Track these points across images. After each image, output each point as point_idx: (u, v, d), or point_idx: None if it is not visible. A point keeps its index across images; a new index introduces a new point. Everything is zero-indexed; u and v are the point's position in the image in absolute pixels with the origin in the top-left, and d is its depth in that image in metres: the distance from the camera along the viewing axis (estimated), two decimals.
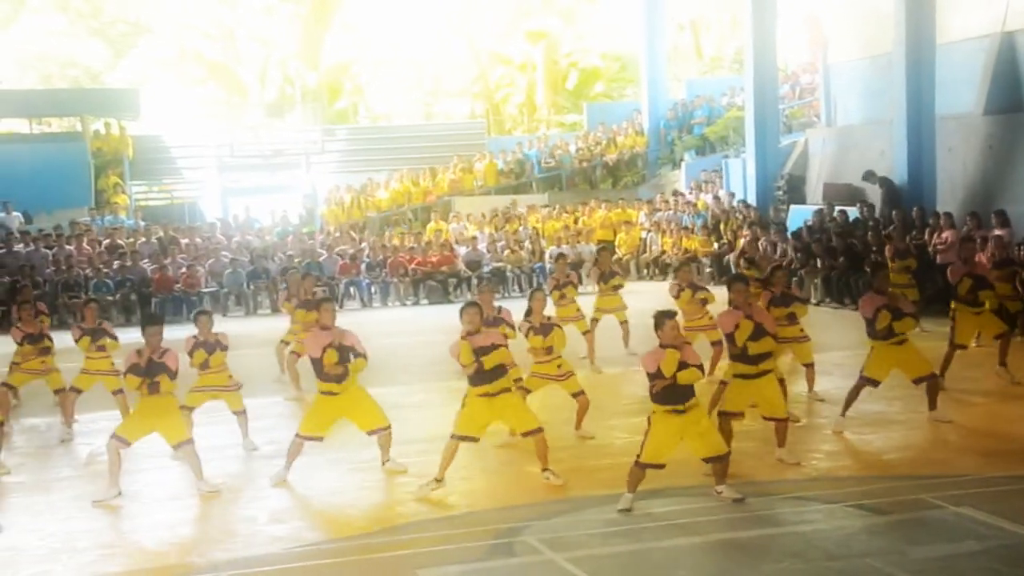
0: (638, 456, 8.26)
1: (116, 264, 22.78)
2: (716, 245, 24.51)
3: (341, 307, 22.22)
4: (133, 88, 33.57)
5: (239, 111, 42.09)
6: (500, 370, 8.99)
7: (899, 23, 21.26)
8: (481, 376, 8.93)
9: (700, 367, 8.26)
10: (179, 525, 8.70)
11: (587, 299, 15.31)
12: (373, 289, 23.56)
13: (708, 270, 23.91)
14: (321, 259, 23.49)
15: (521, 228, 25.95)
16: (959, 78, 21.14)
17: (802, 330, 11.95)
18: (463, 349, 8.87)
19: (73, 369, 12.09)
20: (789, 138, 27.17)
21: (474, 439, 9.13)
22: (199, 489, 9.29)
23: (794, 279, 19.12)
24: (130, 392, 9.97)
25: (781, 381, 10.43)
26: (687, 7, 39.65)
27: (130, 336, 12.01)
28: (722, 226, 24.83)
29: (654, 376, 8.17)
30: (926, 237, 18.85)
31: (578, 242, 25.14)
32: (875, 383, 10.59)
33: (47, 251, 23.12)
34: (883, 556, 7.16)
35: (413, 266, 23.80)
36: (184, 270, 22.77)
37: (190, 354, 10.42)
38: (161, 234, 24.87)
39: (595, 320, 14.67)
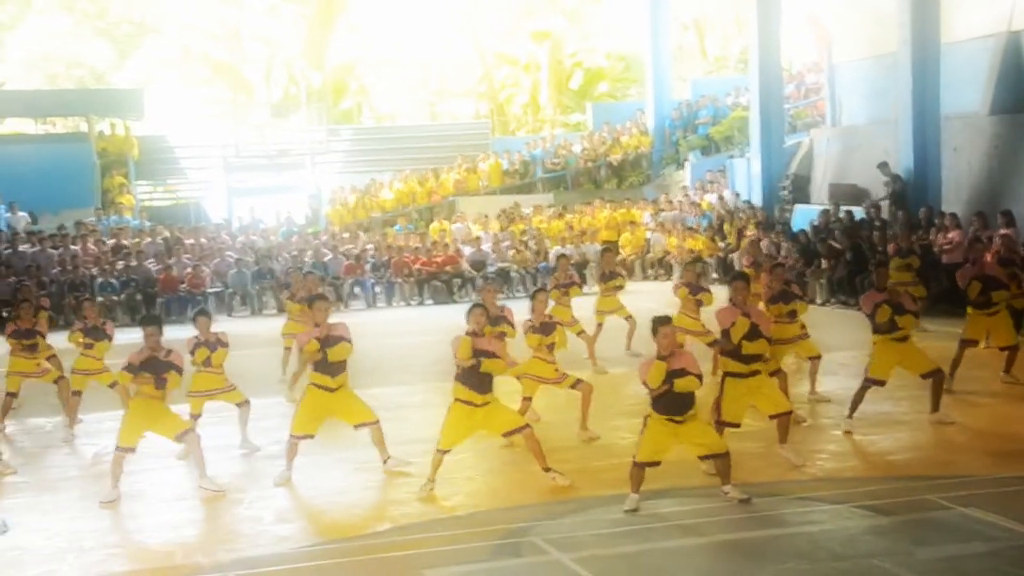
0: (635, 456, 8.31)
1: (121, 264, 22.82)
2: (721, 245, 24.48)
3: (346, 307, 22.25)
4: (138, 88, 33.59)
5: (244, 111, 42.08)
6: (488, 382, 8.97)
7: (904, 22, 21.22)
8: (470, 378, 8.89)
9: (699, 376, 8.20)
10: (184, 525, 8.70)
11: (591, 300, 15.31)
12: (378, 289, 23.58)
13: (713, 276, 23.85)
14: (326, 259, 23.51)
15: (525, 228, 25.95)
16: (964, 78, 21.09)
17: (803, 327, 11.93)
18: (463, 344, 8.88)
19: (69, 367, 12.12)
20: (794, 138, 27.14)
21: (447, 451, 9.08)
22: (202, 488, 9.30)
23: (795, 278, 19.09)
24: (124, 386, 9.96)
25: (780, 372, 10.43)
26: (691, 7, 39.61)
27: (133, 336, 12.00)
28: (727, 226, 24.80)
29: (647, 385, 8.20)
30: (932, 237, 18.81)
31: (582, 242, 25.11)
32: (881, 383, 10.57)
33: (53, 251, 23.16)
34: (890, 557, 7.14)
35: (417, 266, 23.80)
36: (189, 270, 22.80)
37: (192, 352, 10.45)
38: (166, 234, 24.90)
39: (599, 324, 14.65)
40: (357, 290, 23.56)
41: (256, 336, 17.97)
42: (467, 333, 8.98)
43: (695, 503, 8.47)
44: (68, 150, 28.47)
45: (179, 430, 9.41)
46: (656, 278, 25.09)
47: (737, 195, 26.34)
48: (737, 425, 9.20)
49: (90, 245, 23.63)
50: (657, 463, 8.30)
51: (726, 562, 7.47)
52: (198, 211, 29.26)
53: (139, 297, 22.13)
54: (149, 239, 24.62)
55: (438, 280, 23.78)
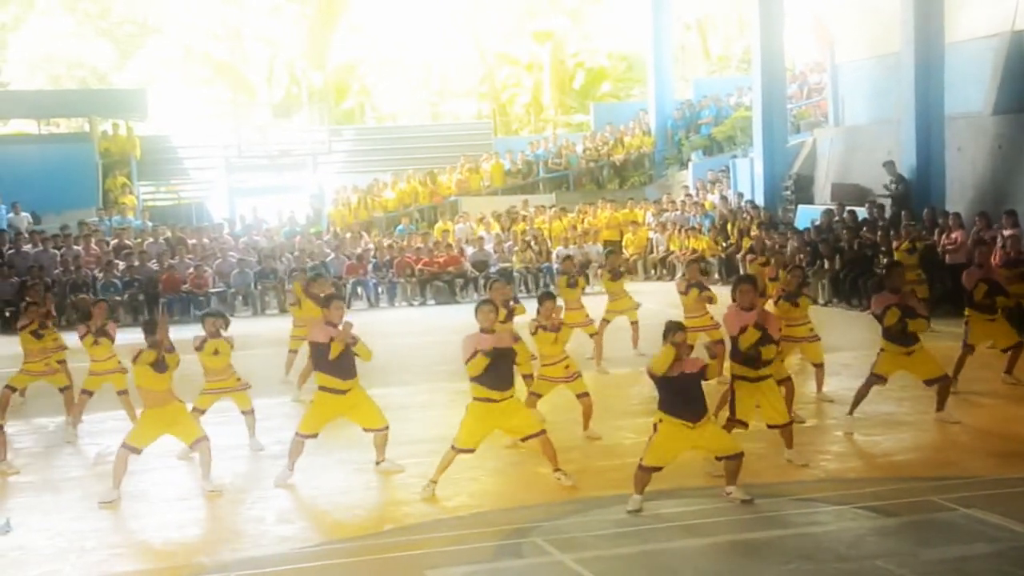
0: (641, 459, 8.28)
1: (124, 265, 22.81)
2: (724, 245, 24.46)
3: (348, 307, 22.22)
4: (140, 89, 33.62)
5: (246, 111, 42.05)
6: (507, 377, 8.93)
7: (907, 22, 21.18)
8: (487, 378, 8.85)
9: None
10: (187, 525, 8.69)
11: (592, 299, 15.30)
12: (380, 289, 23.57)
13: (716, 278, 23.83)
14: (328, 259, 23.50)
15: (528, 228, 25.94)
16: (968, 78, 21.06)
17: (812, 330, 11.91)
18: (478, 362, 8.74)
19: (82, 368, 12.10)
20: (797, 138, 27.11)
21: (471, 451, 9.05)
22: (203, 488, 9.31)
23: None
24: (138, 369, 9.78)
25: (788, 380, 10.41)
26: (694, 7, 39.61)
27: (133, 337, 11.99)
28: (729, 226, 24.77)
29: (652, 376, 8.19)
30: (935, 237, 18.79)
31: (585, 243, 25.11)
32: (883, 380, 10.55)
33: (55, 252, 23.16)
34: (893, 558, 7.13)
35: (420, 267, 23.79)
36: (191, 270, 22.79)
37: (199, 349, 10.43)
38: (168, 234, 24.88)
39: (606, 321, 14.67)
40: (359, 290, 23.55)
41: (258, 336, 17.97)
42: (479, 349, 8.78)
43: (698, 504, 8.46)
44: (70, 150, 28.49)
45: (195, 437, 9.39)
46: (659, 278, 25.09)
47: (740, 195, 26.32)
48: (746, 425, 9.20)
49: (92, 245, 23.62)
50: (662, 468, 8.27)
51: (729, 563, 7.46)
52: (200, 211, 29.24)
53: (141, 297, 22.12)
54: (151, 239, 24.61)
55: (440, 280, 23.78)
